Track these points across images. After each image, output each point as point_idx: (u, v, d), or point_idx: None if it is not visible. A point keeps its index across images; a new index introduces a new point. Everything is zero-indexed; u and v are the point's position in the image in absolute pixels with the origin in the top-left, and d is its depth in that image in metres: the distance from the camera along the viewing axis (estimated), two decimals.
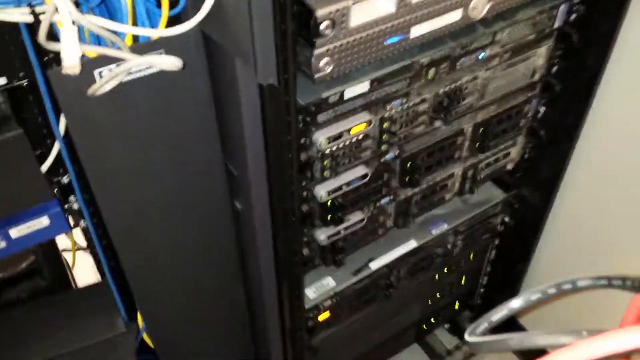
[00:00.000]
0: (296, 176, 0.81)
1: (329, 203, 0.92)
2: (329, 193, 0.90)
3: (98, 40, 0.67)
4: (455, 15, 0.77)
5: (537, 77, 1.03)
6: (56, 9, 0.54)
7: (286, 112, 0.72)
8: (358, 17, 0.70)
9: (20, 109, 0.76)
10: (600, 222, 1.20)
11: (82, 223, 0.94)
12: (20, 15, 0.59)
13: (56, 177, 0.87)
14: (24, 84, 0.73)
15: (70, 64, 0.57)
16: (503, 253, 1.38)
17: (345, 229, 0.99)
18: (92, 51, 0.61)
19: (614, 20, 0.95)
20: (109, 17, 0.66)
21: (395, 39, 0.75)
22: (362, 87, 0.82)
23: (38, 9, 0.59)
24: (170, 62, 0.63)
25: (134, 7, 0.63)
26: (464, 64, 0.90)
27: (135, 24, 0.64)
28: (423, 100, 0.91)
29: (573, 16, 0.96)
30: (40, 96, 0.72)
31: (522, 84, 1.02)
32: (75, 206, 0.89)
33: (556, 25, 0.96)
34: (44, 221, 0.85)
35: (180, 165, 0.82)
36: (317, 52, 0.70)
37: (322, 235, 0.97)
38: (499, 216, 1.27)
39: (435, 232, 1.18)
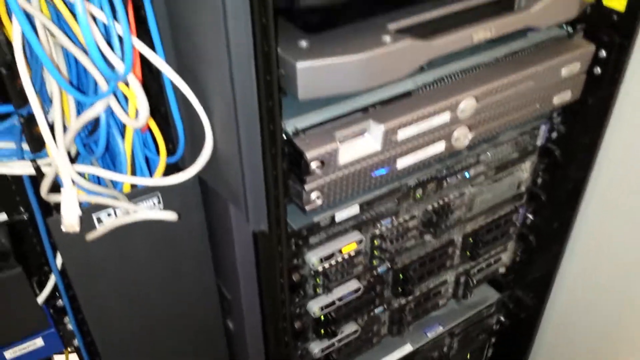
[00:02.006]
0: (288, 299, 0.83)
1: (322, 318, 0.94)
2: (322, 308, 0.92)
3: (98, 179, 0.71)
4: (439, 147, 0.82)
5: (522, 188, 1.06)
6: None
7: (277, 244, 0.75)
8: (346, 155, 0.74)
9: (19, 241, 0.79)
10: (595, 321, 1.21)
11: (75, 342, 0.95)
12: (23, 168, 0.63)
13: (52, 300, 0.89)
14: (24, 218, 0.77)
15: (70, 223, 0.60)
16: (500, 350, 1.38)
17: (339, 340, 1.00)
18: (91, 201, 0.64)
19: (595, 135, 0.99)
20: (109, 159, 0.70)
21: (382, 171, 0.79)
22: (352, 210, 0.86)
23: (40, 162, 0.63)
24: (166, 216, 0.66)
25: (133, 156, 0.67)
26: (451, 183, 0.94)
27: (134, 169, 0.68)
28: (412, 217, 0.94)
29: (554, 134, 1.01)
30: (38, 228, 0.75)
31: (508, 195, 1.05)
32: (69, 327, 0.91)
33: (538, 143, 1.00)
34: (38, 342, 0.86)
35: (173, 290, 0.84)
36: (307, 187, 0.74)
37: (316, 348, 0.98)
38: (494, 316, 1.28)
39: (431, 335, 1.18)
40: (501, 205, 1.07)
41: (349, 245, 0.88)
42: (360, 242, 0.89)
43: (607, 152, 1.02)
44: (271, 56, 0.59)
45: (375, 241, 0.92)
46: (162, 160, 0.68)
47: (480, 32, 0.75)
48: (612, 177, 1.03)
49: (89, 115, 0.58)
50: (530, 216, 1.13)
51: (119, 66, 0.54)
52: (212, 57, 0.59)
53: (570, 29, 0.90)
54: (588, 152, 1.01)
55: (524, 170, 1.04)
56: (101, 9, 0.53)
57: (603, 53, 0.91)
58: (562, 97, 0.90)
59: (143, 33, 0.60)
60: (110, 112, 0.61)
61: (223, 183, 0.70)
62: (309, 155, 0.70)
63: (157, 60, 0.58)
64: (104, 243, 0.69)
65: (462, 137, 0.83)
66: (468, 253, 1.09)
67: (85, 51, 0.55)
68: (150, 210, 0.66)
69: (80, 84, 0.61)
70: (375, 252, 0.94)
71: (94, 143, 0.67)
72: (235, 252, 0.77)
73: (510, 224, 1.10)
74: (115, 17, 0.54)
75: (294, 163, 0.72)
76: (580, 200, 1.07)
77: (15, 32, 0.51)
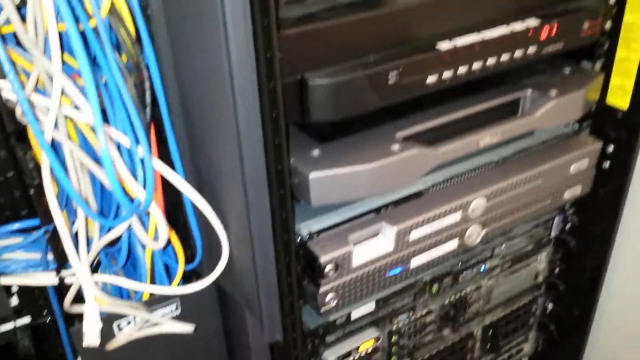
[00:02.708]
0: None
1: None
2: None
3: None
4: (452, 245, 0.83)
5: (540, 279, 1.06)
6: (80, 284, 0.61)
7: (293, 348, 0.75)
8: (359, 257, 0.75)
9: (41, 342, 0.81)
10: None
11: None
12: (47, 279, 0.65)
13: None
14: (47, 322, 0.78)
15: (91, 338, 0.62)
16: None
17: None
18: (112, 311, 0.66)
19: (608, 226, 1.00)
20: (131, 265, 0.73)
21: (396, 271, 0.80)
22: (368, 307, 0.86)
23: (64, 273, 0.66)
24: (184, 328, 0.68)
25: (152, 264, 0.69)
26: (467, 276, 0.94)
27: (154, 276, 0.70)
28: (429, 312, 0.94)
29: (568, 225, 1.01)
30: (60, 333, 0.77)
31: (526, 286, 1.05)
32: None
33: (552, 234, 1.01)
34: None
35: None
36: (322, 290, 0.75)
37: None
38: None
39: None
40: (519, 296, 1.06)
41: (366, 342, 0.88)
42: (377, 339, 0.89)
43: (624, 239, 1.02)
44: (284, 173, 0.62)
45: (392, 337, 0.92)
46: (181, 268, 0.70)
47: (487, 138, 0.77)
48: (631, 264, 1.03)
49: (111, 236, 0.61)
50: (550, 305, 1.11)
51: (140, 195, 0.58)
52: (227, 176, 0.62)
53: (576, 126, 0.92)
54: (603, 242, 1.01)
55: (541, 261, 1.03)
56: (125, 133, 0.57)
57: (610, 148, 0.93)
58: (573, 192, 0.91)
59: (163, 152, 0.64)
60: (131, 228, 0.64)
61: (239, 290, 0.72)
62: (323, 259, 0.72)
63: (178, 181, 0.62)
64: (123, 350, 0.70)
65: (475, 234, 0.84)
66: (488, 345, 1.07)
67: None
68: (168, 323, 0.67)
69: (105, 201, 0.65)
70: (393, 349, 0.93)
71: (116, 252, 0.69)
72: (252, 357, 0.77)
73: (529, 314, 1.09)
74: (137, 140, 0.58)
75: (308, 266, 0.74)
76: (599, 288, 1.06)
77: (44, 160, 0.55)
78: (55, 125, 0.55)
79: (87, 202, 0.63)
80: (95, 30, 0.53)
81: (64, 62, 0.55)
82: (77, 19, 0.52)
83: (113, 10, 0.55)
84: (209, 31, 0.53)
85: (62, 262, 0.65)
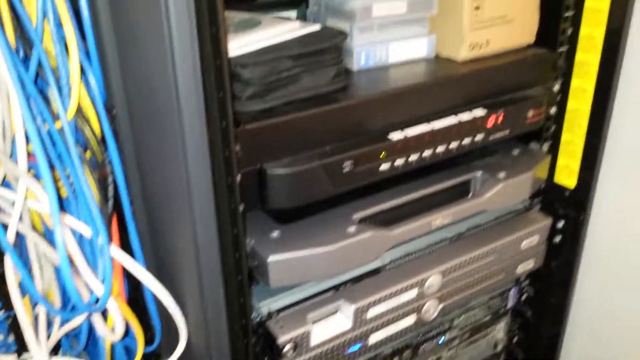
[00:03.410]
0: None
1: None
2: None
3: None
4: (409, 320, 0.85)
5: (499, 348, 1.08)
6: None
7: None
8: (318, 336, 0.78)
9: None
10: None
11: None
12: None
13: None
14: None
15: None
16: None
17: None
18: None
19: (562, 296, 1.04)
20: (92, 346, 0.74)
21: (355, 348, 0.82)
22: None
23: (24, 356, 0.66)
24: None
25: (112, 346, 0.70)
26: (426, 348, 0.96)
27: (114, 358, 0.71)
28: None
29: (524, 296, 1.05)
30: None
31: (486, 355, 1.07)
32: None
33: (509, 305, 1.04)
34: None
35: None
36: None
37: None
38: None
39: None
40: None
41: None
42: None
43: (579, 308, 1.06)
44: (242, 260, 0.64)
45: None
46: (140, 350, 0.71)
47: (439, 220, 0.81)
48: (587, 333, 1.06)
49: (70, 326, 0.63)
50: None
51: (99, 291, 0.60)
52: (184, 264, 0.65)
53: (527, 202, 0.97)
54: (558, 311, 1.05)
55: (499, 331, 1.06)
56: (87, 224, 0.60)
57: (561, 223, 0.98)
58: (525, 266, 0.95)
59: (125, 239, 0.66)
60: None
61: None
62: (281, 339, 0.74)
63: (137, 270, 0.64)
64: None
65: (432, 309, 0.87)
66: None
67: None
68: None
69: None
70: None
71: (78, 334, 0.70)
72: None
73: None
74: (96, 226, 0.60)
75: (267, 346, 0.76)
76: (557, 356, 1.09)
77: (6, 257, 0.57)
78: (20, 218, 0.57)
79: (48, 293, 0.64)
80: (61, 130, 0.56)
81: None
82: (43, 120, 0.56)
83: (79, 111, 0.58)
84: (168, 131, 0.57)
85: (22, 345, 0.66)
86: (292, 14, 0.96)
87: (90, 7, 0.58)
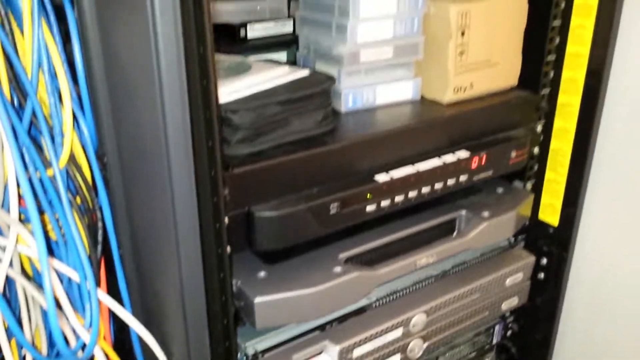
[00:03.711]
0: None
1: None
2: None
3: None
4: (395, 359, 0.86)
5: None
6: None
7: None
8: None
9: None
10: None
11: None
12: None
13: None
14: None
15: None
16: None
17: None
18: None
19: (546, 332, 1.05)
20: None
21: None
22: None
23: None
24: None
25: None
26: None
27: None
28: None
29: (509, 332, 1.06)
30: None
31: None
32: None
33: (494, 341, 1.05)
34: None
35: None
36: None
37: None
38: None
39: None
40: None
41: None
42: None
43: (563, 344, 1.07)
44: (228, 304, 0.65)
45: None
46: None
47: (424, 259, 0.83)
48: None
49: None
50: None
51: (85, 337, 0.60)
52: (170, 308, 0.65)
53: (512, 240, 0.99)
54: (543, 347, 1.06)
55: None
56: (75, 269, 0.61)
57: (544, 260, 1.00)
58: (510, 303, 0.97)
59: (113, 283, 0.67)
60: None
61: None
62: None
63: (124, 314, 0.64)
64: None
65: (417, 348, 0.88)
66: None
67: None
68: None
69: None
70: None
71: None
72: None
73: None
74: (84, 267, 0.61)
75: None
76: None
77: None
78: (10, 264, 0.58)
79: (35, 335, 0.65)
80: (53, 177, 0.58)
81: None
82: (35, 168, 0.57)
83: (71, 158, 0.60)
84: (157, 179, 0.58)
85: None
86: (283, 55, 0.98)
87: (84, 58, 0.60)
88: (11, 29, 0.55)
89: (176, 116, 0.54)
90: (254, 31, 0.98)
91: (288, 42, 0.98)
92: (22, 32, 0.56)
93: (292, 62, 0.96)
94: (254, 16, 0.99)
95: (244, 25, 0.97)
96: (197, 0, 0.52)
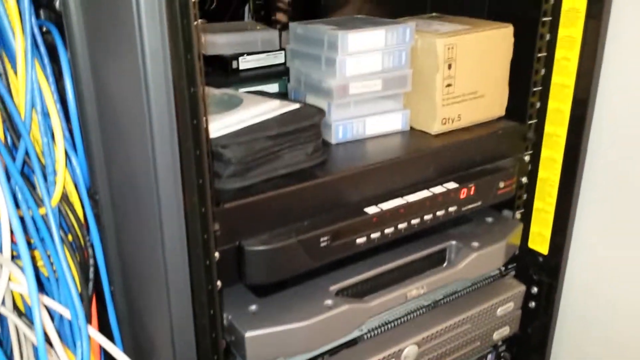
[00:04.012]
0: None
1: None
2: None
3: None
4: None
5: None
6: None
7: None
8: None
9: None
10: None
11: None
12: None
13: None
14: None
15: None
16: None
17: None
18: None
19: (540, 357, 1.05)
20: None
21: None
22: None
23: None
24: None
25: None
26: None
27: None
28: None
29: None
30: None
31: None
32: None
33: None
34: None
35: None
36: None
37: None
38: None
39: None
40: None
41: None
42: None
43: None
44: (218, 340, 0.66)
45: None
46: None
47: (414, 291, 0.83)
48: None
49: None
50: None
51: None
52: (160, 347, 0.66)
53: (502, 268, 1.00)
54: None
55: None
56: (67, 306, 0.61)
57: (535, 289, 1.00)
58: (501, 333, 0.97)
59: (105, 318, 0.68)
60: None
61: None
62: None
63: (116, 353, 0.64)
64: None
65: None
66: None
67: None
68: None
69: None
70: None
71: None
72: None
73: None
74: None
75: None
76: None
77: None
78: (2, 302, 0.58)
79: None
80: (45, 215, 0.58)
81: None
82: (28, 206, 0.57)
83: (63, 196, 0.60)
84: (148, 216, 0.59)
85: None
86: (274, 86, 0.99)
87: (76, 97, 0.61)
88: (4, 69, 0.56)
89: (166, 155, 0.55)
90: (246, 63, 1.00)
91: (280, 73, 1.00)
92: (15, 72, 0.57)
93: (284, 93, 0.98)
94: (246, 48, 1.00)
95: (236, 57, 0.99)
96: (188, 43, 0.53)
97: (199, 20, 0.55)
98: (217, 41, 0.99)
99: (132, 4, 0.51)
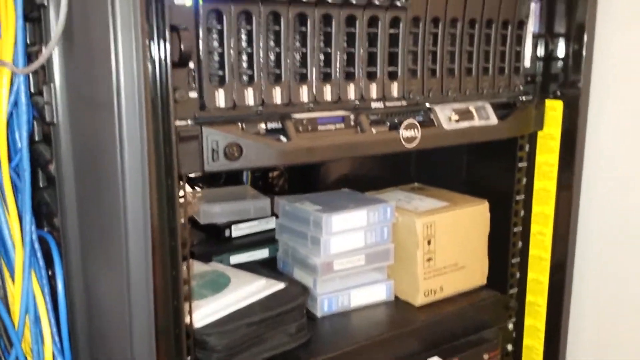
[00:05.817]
0: None
1: None
2: None
3: None
4: None
5: None
6: None
7: None
8: None
9: None
10: None
11: None
12: None
13: None
14: None
15: None
16: None
17: None
18: None
19: None
20: None
21: None
22: None
23: None
24: None
25: None
26: None
27: None
28: None
29: None
30: None
31: None
32: None
33: None
34: None
35: None
36: None
37: None
38: None
39: None
40: None
41: None
42: None
43: None
44: None
45: None
46: None
47: None
48: None
49: None
50: None
51: None
52: None
53: None
54: None
55: None
56: None
57: None
58: None
59: None
60: None
61: None
62: None
63: None
64: None
65: None
66: None
67: None
68: None
69: None
70: None
71: None
72: None
73: None
74: None
75: None
76: None
77: None
78: None
79: None
80: None
81: None
82: None
83: None
84: None
85: None
86: (265, 251, 1.04)
87: (67, 303, 0.65)
88: (3, 279, 0.61)
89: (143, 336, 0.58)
90: (239, 230, 1.05)
91: (270, 239, 1.04)
92: (13, 280, 0.61)
93: (274, 257, 1.01)
94: (239, 215, 1.06)
95: (229, 225, 1.04)
96: (173, 259, 0.58)
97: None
98: (212, 210, 1.05)
99: (121, 226, 0.56)
